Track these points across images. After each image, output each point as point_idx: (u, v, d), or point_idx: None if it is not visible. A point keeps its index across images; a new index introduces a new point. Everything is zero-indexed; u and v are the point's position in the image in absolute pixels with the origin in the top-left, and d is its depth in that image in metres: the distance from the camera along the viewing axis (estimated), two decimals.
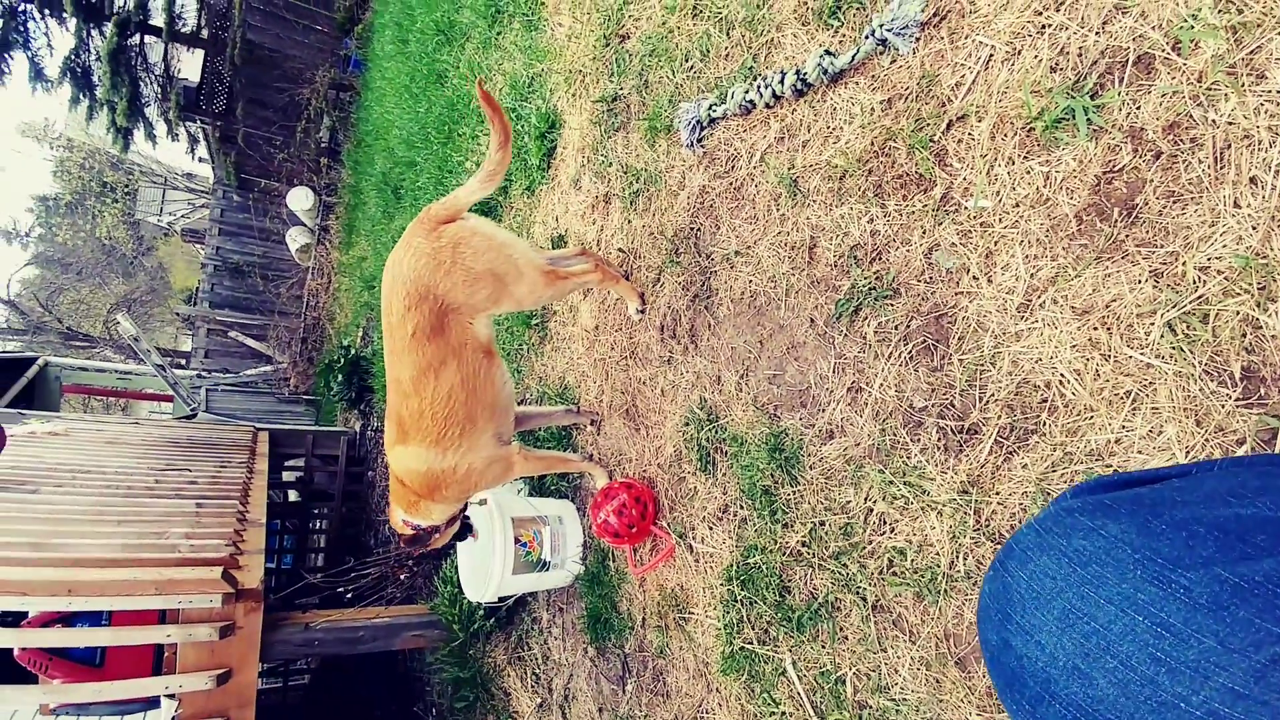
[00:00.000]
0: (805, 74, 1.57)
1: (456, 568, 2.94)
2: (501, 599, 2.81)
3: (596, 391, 2.41)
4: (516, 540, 2.34)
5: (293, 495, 6.83)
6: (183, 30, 8.97)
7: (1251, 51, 0.99)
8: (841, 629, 1.46)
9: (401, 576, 3.37)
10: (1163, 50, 1.07)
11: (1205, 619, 0.42)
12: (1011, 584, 0.53)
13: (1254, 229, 0.99)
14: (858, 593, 1.43)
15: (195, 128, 9.71)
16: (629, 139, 2.32)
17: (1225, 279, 1.01)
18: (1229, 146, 1.01)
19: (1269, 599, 0.41)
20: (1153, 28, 1.08)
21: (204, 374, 9.20)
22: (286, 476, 6.65)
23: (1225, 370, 1.01)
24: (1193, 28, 1.03)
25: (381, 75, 6.69)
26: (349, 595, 3.44)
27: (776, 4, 1.73)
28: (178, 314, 12.18)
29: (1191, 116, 1.04)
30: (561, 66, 2.78)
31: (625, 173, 2.31)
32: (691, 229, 1.98)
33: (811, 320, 1.60)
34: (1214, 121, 1.02)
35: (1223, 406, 1.01)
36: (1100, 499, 0.54)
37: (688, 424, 1.95)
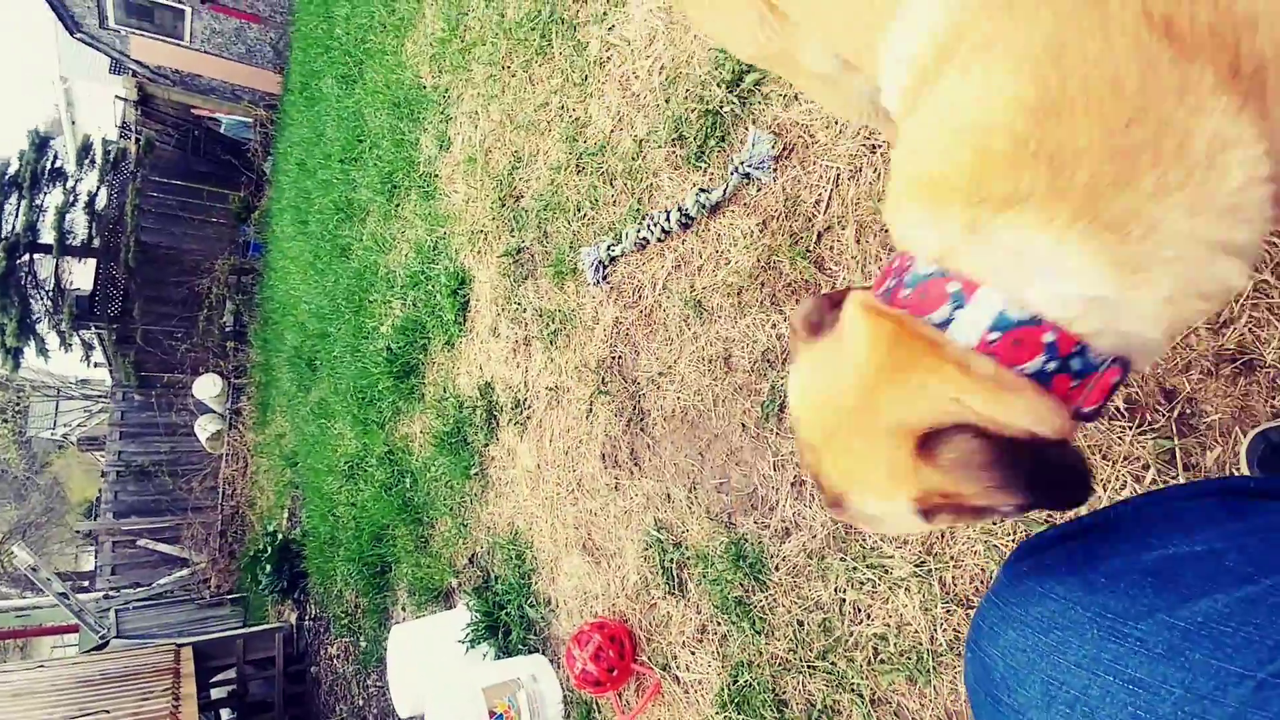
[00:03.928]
0: (686, 209, 1.74)
1: None
2: None
3: (549, 532, 2.35)
4: (491, 713, 2.16)
5: (225, 715, 6.04)
6: (73, 244, 8.86)
7: None
8: None
9: None
10: None
11: (1167, 669, 0.43)
12: (990, 664, 0.54)
13: None
14: (853, 690, 1.41)
15: (89, 334, 9.36)
16: (538, 284, 2.44)
17: None
18: None
19: (1216, 638, 0.42)
20: None
21: (111, 593, 8.27)
22: (216, 693, 5.90)
23: (1111, 406, 1.12)
24: None
25: (283, 255, 6.78)
26: None
27: (648, 155, 1.94)
28: (78, 531, 11.11)
29: None
30: (463, 228, 2.93)
31: (540, 315, 2.40)
32: (613, 358, 2.06)
33: (743, 425, 1.67)
34: None
35: (1122, 438, 1.12)
36: (1040, 560, 0.56)
37: (648, 548, 1.92)
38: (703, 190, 1.70)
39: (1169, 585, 0.47)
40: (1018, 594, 0.54)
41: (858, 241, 1.42)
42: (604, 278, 2.06)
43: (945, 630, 1.28)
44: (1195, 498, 0.58)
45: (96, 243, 8.99)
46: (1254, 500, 0.56)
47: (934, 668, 1.29)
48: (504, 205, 2.62)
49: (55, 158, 9.40)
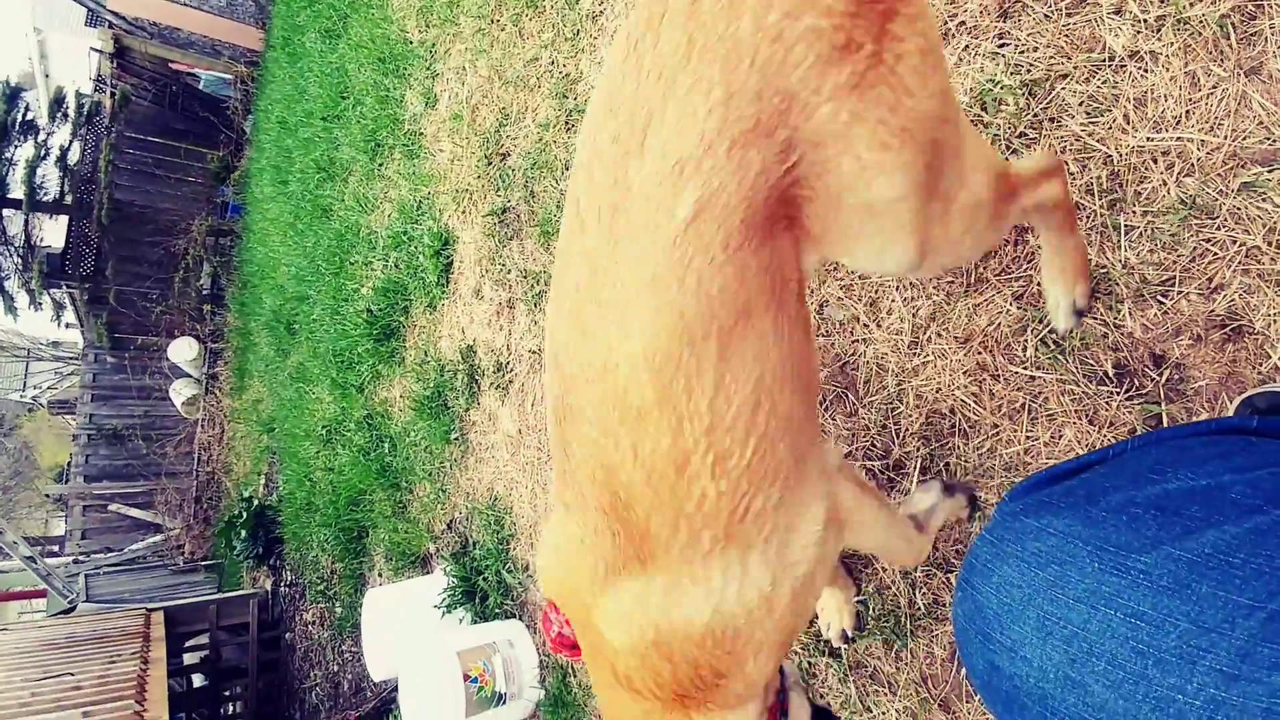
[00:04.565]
0: None
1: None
2: None
3: (529, 497, 2.33)
4: (466, 676, 2.15)
5: (198, 680, 6.00)
6: (44, 199, 8.58)
7: (1045, 104, 1.16)
8: (823, 695, 1.42)
9: None
10: (974, 110, 1.24)
11: (1173, 601, 0.42)
12: (982, 601, 0.52)
13: (1088, 245, 1.13)
14: (830, 653, 1.41)
15: (60, 294, 9.11)
16: (524, 246, 2.39)
17: None
18: None
19: (1224, 569, 0.41)
20: (962, 92, 1.25)
21: (81, 558, 8.16)
22: (189, 659, 5.85)
23: (1100, 370, 1.11)
24: (994, 89, 1.21)
25: (263, 216, 6.61)
26: None
27: None
28: (48, 495, 10.92)
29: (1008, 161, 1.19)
30: (448, 188, 2.85)
31: (525, 277, 2.35)
32: None
33: None
34: None
35: (1109, 403, 1.11)
36: (1038, 497, 0.55)
37: None
38: None
39: (1174, 518, 0.46)
40: (1013, 531, 0.52)
41: None
42: None
43: (924, 594, 1.28)
44: (1198, 435, 0.57)
45: (69, 199, 8.71)
46: (1259, 439, 0.54)
47: (911, 631, 1.29)
48: (490, 164, 2.55)
49: (27, 109, 9.05)
